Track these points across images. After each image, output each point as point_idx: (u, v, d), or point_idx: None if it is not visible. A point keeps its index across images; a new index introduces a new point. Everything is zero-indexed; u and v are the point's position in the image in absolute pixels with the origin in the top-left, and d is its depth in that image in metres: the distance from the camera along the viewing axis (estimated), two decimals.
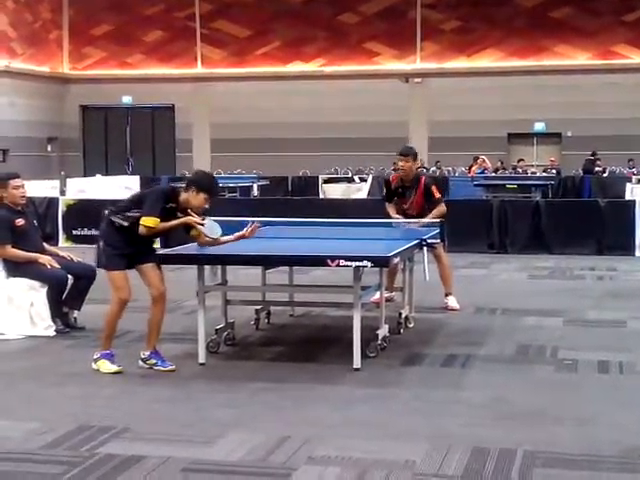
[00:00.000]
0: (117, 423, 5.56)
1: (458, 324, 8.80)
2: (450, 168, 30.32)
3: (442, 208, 9.53)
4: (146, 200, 6.79)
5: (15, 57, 31.93)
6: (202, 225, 6.86)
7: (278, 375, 6.80)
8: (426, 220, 9.08)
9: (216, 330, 7.57)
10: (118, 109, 34.70)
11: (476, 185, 22.19)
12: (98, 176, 26.97)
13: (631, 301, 9.98)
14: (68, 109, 34.64)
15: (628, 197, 19.27)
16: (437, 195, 9.62)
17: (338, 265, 6.58)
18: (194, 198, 6.81)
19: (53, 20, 34.21)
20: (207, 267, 7.25)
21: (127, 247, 6.85)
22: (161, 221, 6.73)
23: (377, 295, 8.02)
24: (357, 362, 6.83)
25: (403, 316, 8.34)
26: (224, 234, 7.06)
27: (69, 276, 8.36)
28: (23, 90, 31.67)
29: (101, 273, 7.34)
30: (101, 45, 34.54)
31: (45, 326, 8.23)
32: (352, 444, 5.17)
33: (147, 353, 6.96)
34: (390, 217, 9.57)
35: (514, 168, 28.49)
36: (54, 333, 8.24)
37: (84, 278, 8.39)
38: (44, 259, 8.31)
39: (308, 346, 7.93)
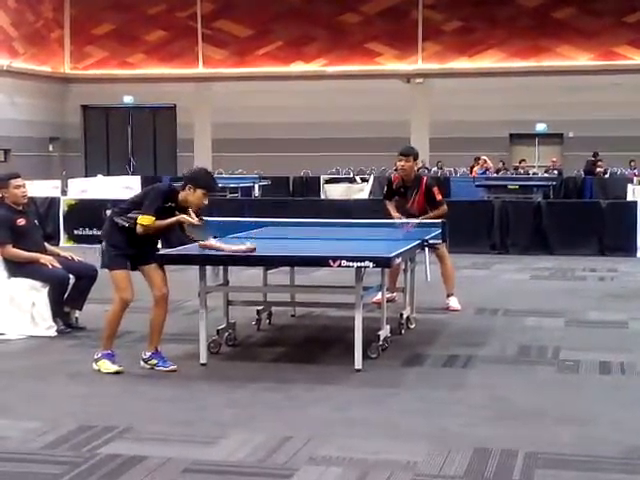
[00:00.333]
0: (118, 423, 5.56)
1: (459, 325, 8.80)
2: (451, 169, 30.32)
3: (443, 209, 9.51)
4: (145, 199, 6.80)
5: (16, 56, 31.94)
6: (196, 225, 6.84)
7: (279, 375, 6.80)
8: (423, 220, 9.06)
9: (217, 331, 7.57)
10: (119, 109, 34.71)
11: (478, 186, 22.17)
12: (99, 176, 27.00)
13: (632, 302, 9.97)
14: (69, 109, 34.65)
15: (630, 198, 19.26)
16: (438, 197, 9.55)
17: (340, 265, 6.57)
18: (192, 196, 6.80)
19: (55, 19, 34.22)
20: (209, 268, 7.24)
21: (130, 248, 6.86)
22: (158, 220, 6.73)
23: (378, 296, 8.02)
24: (358, 363, 6.83)
25: (404, 317, 8.34)
26: (222, 236, 7.07)
27: (70, 276, 8.36)
28: (24, 90, 31.68)
29: (102, 273, 7.35)
30: (102, 45, 34.55)
31: (46, 326, 8.23)
32: (353, 444, 5.17)
33: (149, 353, 6.96)
34: (389, 214, 9.55)
35: (515, 169, 28.49)
36: (55, 333, 8.24)
37: (85, 278, 8.39)
38: (45, 259, 8.31)
39: (309, 347, 7.93)
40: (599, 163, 27.87)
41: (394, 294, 9.29)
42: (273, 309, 8.73)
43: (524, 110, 30.24)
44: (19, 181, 8.38)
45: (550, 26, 31.03)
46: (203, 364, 7.03)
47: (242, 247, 6.89)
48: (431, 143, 31.33)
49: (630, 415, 5.77)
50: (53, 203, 16.43)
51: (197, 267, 7.08)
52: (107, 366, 6.86)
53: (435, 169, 29.34)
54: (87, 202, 16.67)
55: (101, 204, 14.60)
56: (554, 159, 29.99)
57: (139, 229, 6.72)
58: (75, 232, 15.89)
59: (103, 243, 6.94)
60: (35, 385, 6.58)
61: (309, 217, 9.93)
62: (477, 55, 32.02)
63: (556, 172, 27.97)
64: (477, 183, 22.65)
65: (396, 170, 9.74)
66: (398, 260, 7.13)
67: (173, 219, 6.79)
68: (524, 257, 14.03)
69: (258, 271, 8.53)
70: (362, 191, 24.18)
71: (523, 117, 30.49)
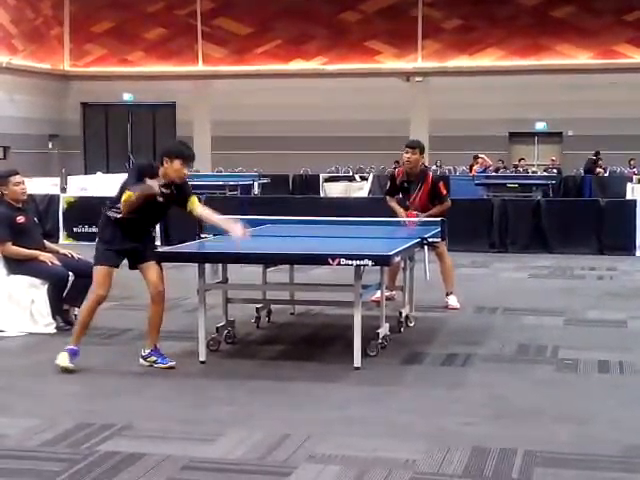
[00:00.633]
0: (117, 421, 5.56)
1: (458, 323, 8.80)
2: (451, 167, 30.31)
3: (447, 205, 9.56)
4: (127, 180, 6.80)
5: (16, 54, 31.92)
6: (164, 196, 6.76)
7: (278, 373, 6.80)
8: (426, 218, 9.09)
9: (217, 328, 7.57)
10: (119, 106, 34.70)
11: (477, 184, 22.17)
12: (99, 173, 26.95)
13: (631, 301, 9.98)
14: (69, 106, 34.63)
15: (629, 197, 19.25)
16: (444, 192, 9.63)
17: (339, 264, 6.57)
18: (170, 168, 6.75)
19: (54, 17, 34.20)
20: (208, 265, 7.24)
21: (125, 241, 6.83)
22: (142, 201, 6.67)
23: (378, 294, 8.02)
24: (357, 361, 6.83)
25: (403, 315, 8.34)
26: (221, 234, 7.06)
27: (70, 273, 8.35)
28: (24, 87, 31.65)
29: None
30: (102, 42, 34.53)
31: (45, 323, 8.23)
32: (352, 442, 5.17)
33: (147, 351, 6.95)
34: (393, 211, 9.53)
35: (515, 167, 28.48)
36: (54, 330, 8.23)
37: (85, 275, 8.35)
38: (45, 256, 8.31)
39: (309, 345, 7.93)
40: (599, 162, 27.87)
41: (393, 292, 9.28)
42: (272, 307, 8.73)
43: (524, 109, 30.24)
44: (18, 178, 8.38)
45: (550, 24, 31.02)
46: (202, 362, 7.03)
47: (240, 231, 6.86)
48: (430, 141, 31.23)
49: (629, 414, 5.77)
50: (52, 200, 16.44)
51: (196, 264, 7.08)
52: (63, 359, 6.79)
53: (434, 167, 29.31)
54: (86, 200, 16.64)
55: (100, 202, 14.35)
56: (553, 158, 29.99)
57: (123, 209, 6.69)
58: (74, 229, 15.89)
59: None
60: (34, 382, 6.58)
61: (308, 215, 9.90)
62: (477, 53, 32.01)
63: (555, 171, 27.97)
64: (476, 182, 22.64)
65: (396, 166, 9.72)
66: (397, 258, 7.13)
67: (143, 186, 6.63)
68: (523, 256, 14.04)
69: (257, 269, 8.53)
70: (361, 189, 24.18)
71: (522, 116, 30.50)
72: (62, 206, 16.26)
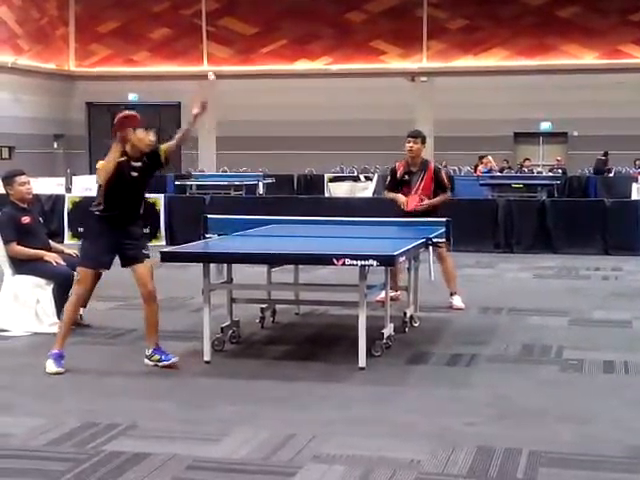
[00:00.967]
0: (122, 420, 5.57)
1: (463, 323, 8.80)
2: (455, 167, 30.28)
3: (448, 196, 9.71)
4: None
5: (21, 54, 31.95)
6: (137, 170, 6.82)
7: (283, 373, 6.80)
8: (429, 203, 9.31)
9: (221, 328, 7.57)
10: (124, 106, 34.69)
11: (482, 184, 22.15)
12: None
13: (636, 301, 9.96)
14: (74, 106, 34.66)
15: (634, 197, 19.25)
16: (447, 182, 9.75)
17: (344, 264, 6.57)
18: (135, 139, 6.78)
19: (59, 17, 34.23)
20: (213, 265, 7.25)
21: (112, 235, 6.82)
22: (120, 180, 6.73)
23: (382, 294, 8.02)
24: (362, 361, 6.83)
25: (408, 315, 8.34)
26: (226, 234, 7.07)
27: (74, 273, 8.34)
28: (29, 87, 31.69)
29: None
30: (107, 42, 34.56)
31: (51, 323, 8.23)
32: (357, 442, 5.17)
33: (150, 350, 6.96)
34: (394, 200, 9.54)
35: (520, 167, 28.44)
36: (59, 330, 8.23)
37: None
38: (50, 256, 8.33)
39: (313, 345, 7.93)
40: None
41: (397, 292, 9.28)
42: (277, 307, 8.74)
43: (528, 109, 30.20)
44: (24, 178, 8.39)
45: (555, 24, 30.98)
46: (207, 362, 7.04)
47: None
48: (435, 142, 31.27)
49: (634, 414, 5.77)
50: (58, 200, 16.46)
51: (201, 264, 7.08)
52: (50, 366, 6.79)
53: (439, 167, 29.26)
54: (91, 200, 16.56)
55: None
56: (558, 158, 29.95)
57: (98, 179, 6.75)
58: (79, 229, 15.88)
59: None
60: (39, 382, 6.59)
61: (313, 215, 9.90)
62: (482, 53, 31.99)
63: (560, 171, 27.94)
64: (481, 182, 22.62)
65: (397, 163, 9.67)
66: (402, 258, 7.12)
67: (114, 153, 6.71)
68: (528, 256, 14.03)
69: (262, 269, 8.54)
70: (366, 189, 24.16)
71: (527, 116, 30.46)
72: (67, 206, 16.28)
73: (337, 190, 24.55)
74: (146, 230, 15.63)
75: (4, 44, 31.02)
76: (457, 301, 9.52)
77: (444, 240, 8.36)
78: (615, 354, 7.36)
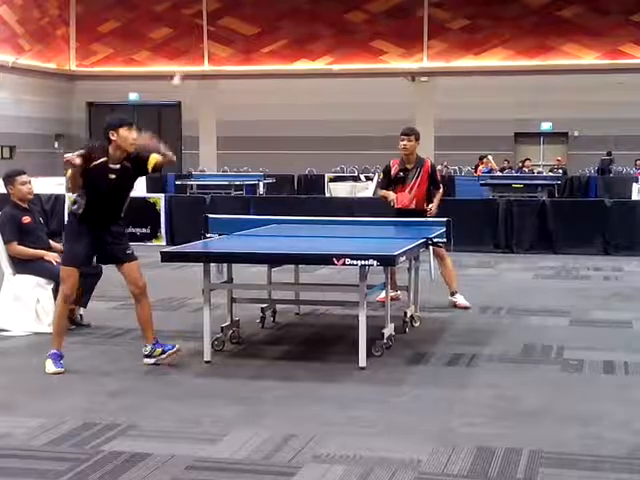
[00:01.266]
0: (122, 420, 5.57)
1: (463, 323, 8.80)
2: (456, 167, 30.28)
3: (443, 191, 9.81)
4: None
5: (22, 53, 31.96)
6: (115, 173, 6.76)
7: (283, 373, 6.80)
8: (434, 206, 9.41)
9: (222, 328, 7.57)
10: (125, 106, 34.67)
11: (482, 185, 22.15)
12: None
13: (637, 301, 9.96)
14: (75, 106, 34.68)
15: (635, 197, 19.25)
16: (439, 178, 9.82)
17: (344, 264, 6.57)
18: (119, 139, 6.77)
19: (60, 17, 34.24)
20: (213, 265, 7.25)
21: (91, 233, 6.78)
22: (97, 183, 6.67)
23: (383, 294, 8.02)
24: (362, 361, 6.83)
25: (408, 315, 8.33)
26: (227, 233, 7.06)
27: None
28: (30, 86, 31.70)
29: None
30: (108, 42, 34.56)
31: (51, 323, 8.22)
32: (357, 442, 5.17)
33: (149, 347, 6.95)
34: (383, 197, 9.55)
35: (520, 167, 28.43)
36: None
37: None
38: (50, 256, 8.33)
39: (313, 345, 7.93)
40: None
41: (398, 292, 9.28)
42: (277, 307, 8.73)
43: (529, 109, 30.21)
44: (25, 178, 8.40)
45: (556, 25, 30.98)
46: (207, 361, 7.03)
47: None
48: (436, 141, 31.32)
49: (634, 415, 5.76)
50: (58, 200, 16.46)
51: (201, 264, 7.08)
52: (49, 366, 6.79)
53: (439, 167, 29.27)
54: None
55: None
56: (559, 158, 29.96)
57: (69, 173, 6.72)
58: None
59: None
60: (38, 382, 6.58)
61: (313, 215, 9.91)
62: (483, 54, 31.98)
63: (561, 171, 27.94)
64: (482, 182, 22.63)
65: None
66: (402, 258, 7.12)
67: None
68: (528, 256, 14.03)
69: (262, 269, 8.54)
70: (367, 189, 24.16)
71: (528, 116, 30.47)
72: (67, 206, 16.26)
73: (337, 190, 24.55)
74: (146, 230, 15.70)
75: (5, 44, 31.03)
76: (462, 300, 9.53)
77: (444, 240, 8.35)
78: (615, 354, 7.35)
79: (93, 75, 34.39)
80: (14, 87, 30.87)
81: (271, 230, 8.70)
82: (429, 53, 32.39)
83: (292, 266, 8.70)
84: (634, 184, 21.09)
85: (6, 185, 8.41)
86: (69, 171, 6.65)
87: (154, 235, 15.43)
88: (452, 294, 9.58)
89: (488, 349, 7.60)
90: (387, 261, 6.80)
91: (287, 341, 8.03)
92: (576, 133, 30.99)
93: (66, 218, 15.69)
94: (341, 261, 6.56)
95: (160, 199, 16.17)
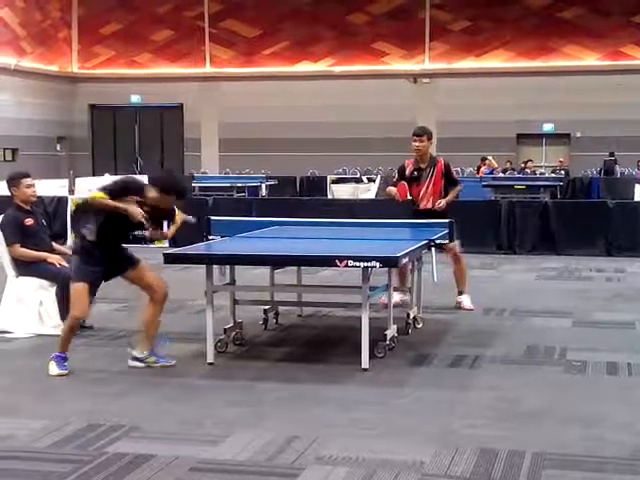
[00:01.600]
0: (126, 422, 5.57)
1: (466, 325, 8.80)
2: (458, 168, 30.26)
3: (460, 188, 9.93)
4: (112, 184, 6.77)
5: (24, 56, 31.97)
6: (145, 229, 6.81)
7: (286, 375, 6.80)
8: (448, 199, 9.45)
9: (224, 330, 7.58)
10: (127, 108, 34.74)
11: (484, 186, 22.15)
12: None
13: (639, 303, 9.95)
14: (77, 108, 34.68)
15: (637, 198, 19.23)
16: (455, 175, 9.87)
17: (346, 265, 6.57)
18: (163, 200, 6.77)
19: (62, 19, 34.25)
20: (216, 267, 7.25)
21: (102, 260, 6.76)
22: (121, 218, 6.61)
23: (396, 297, 7.98)
24: (365, 362, 6.83)
25: (411, 317, 8.33)
26: (229, 235, 7.07)
27: None
28: (32, 89, 31.71)
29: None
30: (110, 44, 34.57)
31: (54, 325, 8.24)
32: (360, 444, 5.17)
33: (146, 352, 6.94)
34: (390, 195, 9.56)
35: (522, 168, 28.42)
36: None
37: None
38: (53, 258, 8.34)
39: (316, 346, 7.93)
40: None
41: (406, 297, 9.11)
42: (280, 309, 8.73)
43: (531, 110, 30.18)
44: (29, 181, 8.41)
45: (557, 26, 30.96)
46: (210, 363, 7.04)
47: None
48: (438, 143, 31.19)
49: (637, 416, 5.76)
50: (61, 202, 16.48)
51: (204, 266, 7.08)
52: (53, 368, 6.78)
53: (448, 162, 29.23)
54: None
55: None
56: (561, 159, 29.95)
57: (88, 199, 6.72)
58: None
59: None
60: (42, 384, 6.59)
61: (316, 217, 9.91)
62: (484, 55, 31.97)
63: (563, 172, 27.93)
64: (484, 183, 22.62)
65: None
66: (405, 260, 7.12)
67: (125, 206, 6.53)
68: (531, 257, 14.03)
69: (265, 270, 8.54)
70: (369, 191, 24.17)
71: (530, 117, 30.44)
72: (70, 208, 16.29)
73: (340, 192, 24.57)
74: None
75: (7, 46, 31.05)
76: (467, 301, 9.53)
77: (447, 241, 8.33)
78: (618, 355, 7.35)
79: (95, 77, 34.40)
80: (16, 89, 30.89)
81: (273, 232, 8.70)
82: (431, 55, 32.38)
83: (294, 268, 8.70)
84: (637, 185, 21.07)
85: (10, 187, 8.41)
86: (107, 200, 6.53)
87: None
88: (460, 293, 9.59)
89: (491, 350, 7.60)
90: (390, 262, 6.80)
91: (290, 343, 8.03)
92: (578, 134, 30.97)
93: (69, 220, 15.84)
94: (344, 263, 6.56)
95: None
